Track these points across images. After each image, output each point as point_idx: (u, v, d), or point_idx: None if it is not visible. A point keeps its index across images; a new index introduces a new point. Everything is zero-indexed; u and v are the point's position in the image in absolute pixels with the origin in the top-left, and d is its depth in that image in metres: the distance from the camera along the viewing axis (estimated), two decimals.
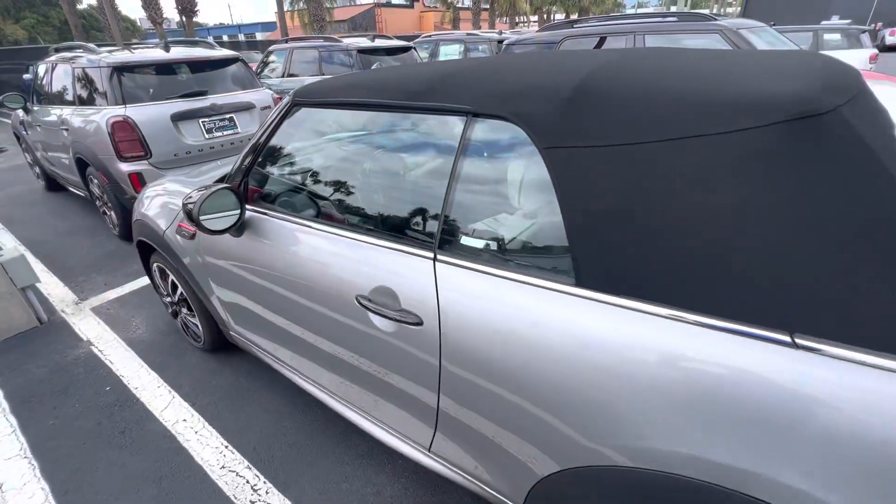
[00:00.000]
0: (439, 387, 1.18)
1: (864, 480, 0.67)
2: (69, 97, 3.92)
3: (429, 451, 1.36)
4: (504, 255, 1.06)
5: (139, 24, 39.87)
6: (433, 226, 1.16)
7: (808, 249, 0.72)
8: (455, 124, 1.14)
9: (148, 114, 3.48)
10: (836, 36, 8.07)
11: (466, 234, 1.11)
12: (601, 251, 0.89)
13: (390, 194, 1.37)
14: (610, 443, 0.89)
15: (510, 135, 1.04)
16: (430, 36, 9.30)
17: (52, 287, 3.19)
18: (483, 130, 1.09)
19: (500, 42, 7.96)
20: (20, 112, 4.87)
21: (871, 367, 0.68)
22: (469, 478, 1.28)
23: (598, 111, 0.91)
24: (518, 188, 1.11)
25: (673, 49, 1.23)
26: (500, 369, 1.01)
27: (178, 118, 3.58)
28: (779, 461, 0.73)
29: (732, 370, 0.76)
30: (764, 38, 3.41)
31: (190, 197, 1.49)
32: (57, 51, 4.46)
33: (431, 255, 1.14)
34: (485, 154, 1.10)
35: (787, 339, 0.74)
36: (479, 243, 1.09)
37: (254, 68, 6.97)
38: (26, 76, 14.42)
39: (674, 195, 0.82)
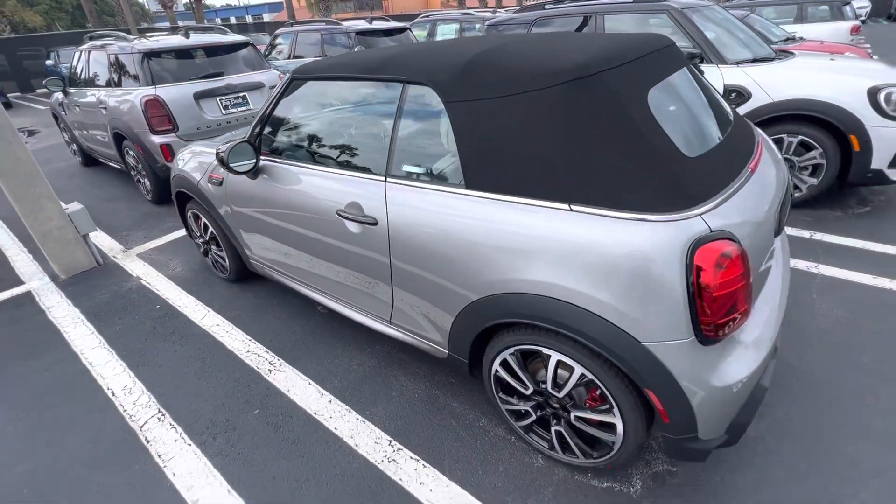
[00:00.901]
0: (391, 269, 1.77)
1: (615, 282, 1.24)
2: (105, 80, 4.52)
3: (390, 322, 1.97)
4: (426, 174, 1.63)
5: (147, 7, 40.30)
6: (384, 158, 1.73)
7: (579, 157, 1.28)
8: (396, 89, 1.70)
9: (174, 93, 4.06)
10: (825, 7, 8.29)
11: (404, 163, 1.69)
12: (477, 165, 1.46)
13: (357, 140, 1.94)
14: (488, 279, 1.47)
15: (428, 96, 1.60)
16: (428, 16, 9.66)
17: (102, 240, 3.85)
18: (413, 93, 1.65)
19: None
20: (59, 94, 5.49)
21: (607, 218, 1.24)
22: (415, 336, 1.89)
23: (476, 78, 1.47)
24: (435, 130, 1.67)
25: (538, 34, 1.77)
26: (425, 245, 1.60)
27: (199, 97, 4.17)
28: (567, 276, 1.30)
29: (545, 229, 1.33)
30: (708, 15, 3.85)
31: (220, 149, 2.08)
32: (91, 39, 5.04)
33: (383, 178, 1.72)
34: (414, 109, 1.66)
35: (567, 207, 1.31)
36: (411, 168, 1.67)
37: (262, 50, 7.49)
38: (48, 62, 15.06)
39: (512, 128, 1.38)
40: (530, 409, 1.66)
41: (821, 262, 2.81)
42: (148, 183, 4.42)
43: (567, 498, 1.58)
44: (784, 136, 3.33)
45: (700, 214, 1.21)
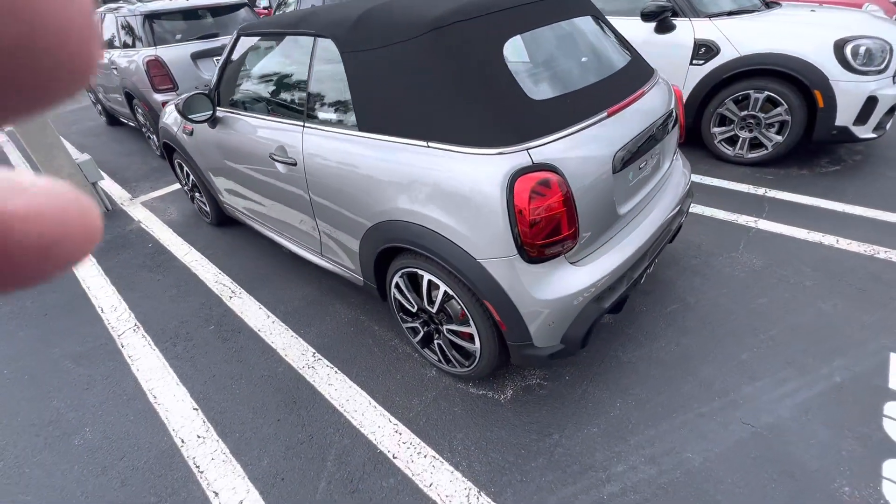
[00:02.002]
0: (311, 204, 2.03)
1: (457, 209, 1.46)
2: (117, 42, 4.88)
3: (321, 254, 2.25)
4: (333, 120, 1.86)
5: None
6: (303, 106, 1.96)
7: (434, 100, 1.47)
8: (309, 42, 1.90)
9: (174, 53, 4.37)
10: None
11: (317, 110, 1.91)
12: (365, 110, 1.67)
13: (285, 90, 2.16)
14: (376, 209, 1.71)
15: (331, 48, 1.80)
16: None
17: (114, 189, 4.31)
18: (321, 45, 1.85)
19: None
20: None
21: (453, 152, 1.44)
22: (339, 266, 2.16)
23: (364, 31, 1.66)
24: (339, 80, 1.87)
25: None
26: (332, 181, 1.84)
27: (196, 56, 4.46)
28: (425, 204, 1.53)
29: (410, 164, 1.55)
30: None
31: (177, 102, 2.36)
32: (105, 2, 5.39)
33: (301, 124, 1.95)
34: (323, 60, 1.87)
35: (425, 144, 1.51)
36: (322, 114, 1.89)
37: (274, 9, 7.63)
38: None
39: (388, 76, 1.57)
40: (419, 326, 1.92)
41: (763, 217, 2.87)
42: (155, 138, 4.82)
43: (446, 400, 1.86)
44: (751, 92, 3.30)
45: (528, 149, 1.39)
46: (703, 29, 3.40)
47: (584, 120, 1.53)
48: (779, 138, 3.34)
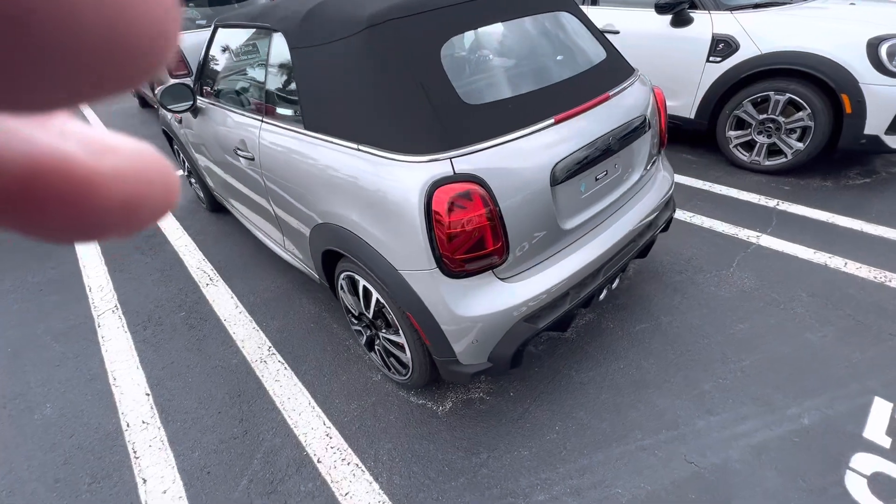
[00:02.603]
0: (268, 198, 2.02)
1: (380, 217, 1.41)
2: None
3: (284, 248, 2.25)
4: (284, 116, 1.83)
5: None
6: (261, 102, 1.95)
7: (365, 101, 1.41)
8: (267, 36, 1.87)
9: (191, 39, 4.48)
10: None
11: (274, 105, 1.89)
12: (309, 108, 1.63)
13: (249, 84, 2.15)
14: (318, 209, 1.68)
15: (283, 43, 1.76)
16: None
17: None
18: (275, 40, 1.82)
19: None
20: None
21: (379, 157, 1.38)
22: (298, 261, 2.16)
23: (309, 26, 1.61)
24: (291, 75, 1.84)
25: None
26: (285, 177, 1.82)
27: None
28: (353, 210, 1.48)
29: (343, 166, 1.50)
30: None
31: (157, 91, 2.41)
32: None
33: (260, 120, 1.94)
34: (278, 55, 1.84)
35: (356, 147, 1.46)
36: (278, 110, 1.87)
37: None
38: None
39: (327, 75, 1.52)
40: (362, 330, 1.89)
41: (768, 232, 2.64)
42: None
43: (383, 407, 1.82)
44: (771, 93, 3.02)
45: (452, 158, 1.31)
46: (723, 23, 3.13)
47: (524, 127, 1.43)
48: (800, 145, 3.05)
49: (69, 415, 1.91)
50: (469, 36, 1.73)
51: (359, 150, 1.45)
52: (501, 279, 1.45)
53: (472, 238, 1.32)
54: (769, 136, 3.16)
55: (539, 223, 1.45)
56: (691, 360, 1.89)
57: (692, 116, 3.45)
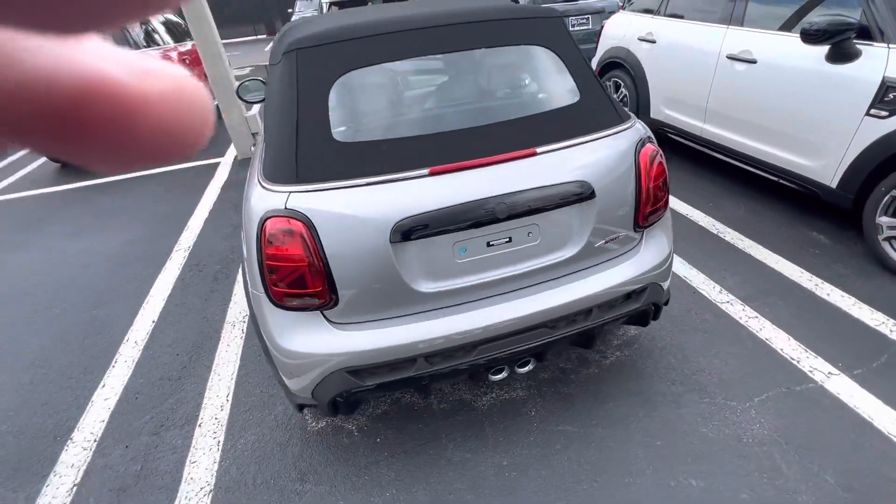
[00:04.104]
0: None
1: (245, 238, 1.52)
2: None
3: None
4: None
5: None
6: None
7: (267, 126, 1.51)
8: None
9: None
10: None
11: None
12: (265, 125, 1.80)
13: None
14: None
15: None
16: None
17: None
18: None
19: None
20: None
21: (255, 182, 1.47)
22: None
23: (275, 48, 1.75)
24: None
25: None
26: None
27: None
28: (244, 221, 1.61)
29: (248, 178, 1.64)
30: None
31: (236, 84, 2.89)
32: None
33: None
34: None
35: (258, 164, 1.57)
36: None
37: None
38: (290, 10, 15.08)
39: (268, 95, 1.66)
40: None
41: (852, 372, 1.82)
42: None
43: (280, 402, 1.94)
44: None
45: (290, 192, 1.31)
46: None
47: (386, 173, 1.32)
48: None
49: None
50: (404, 67, 1.64)
51: (254, 166, 1.55)
52: (333, 322, 1.40)
53: (291, 275, 1.31)
54: None
55: (377, 278, 1.34)
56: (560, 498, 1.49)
57: (833, 186, 2.52)
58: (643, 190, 1.52)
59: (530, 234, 1.44)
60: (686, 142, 3.59)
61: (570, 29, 5.75)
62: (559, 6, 5.70)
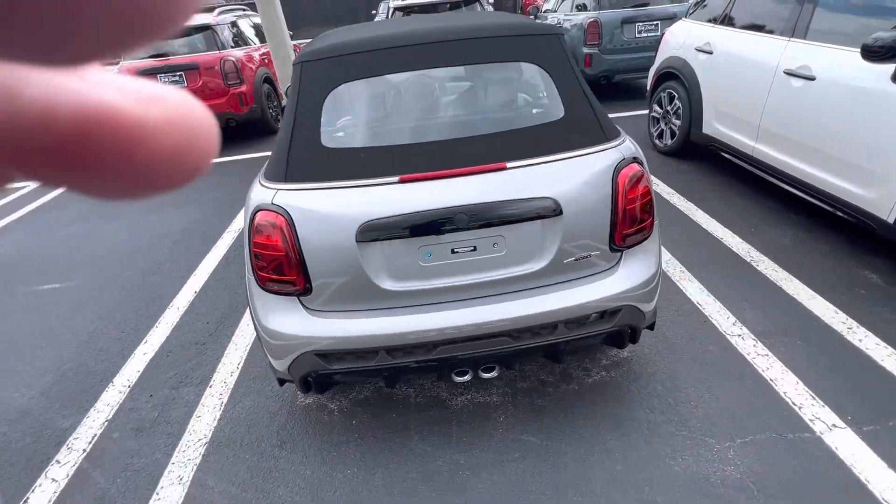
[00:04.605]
0: None
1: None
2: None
3: None
4: None
5: None
6: None
7: (280, 130, 1.70)
8: None
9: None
10: None
11: None
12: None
13: None
14: None
15: None
16: None
17: None
18: None
19: None
20: None
21: (257, 180, 1.67)
22: None
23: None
24: None
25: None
26: None
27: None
28: None
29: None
30: None
31: None
32: None
33: None
34: None
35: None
36: None
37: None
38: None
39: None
40: None
41: (863, 426, 1.65)
42: None
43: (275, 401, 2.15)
44: None
45: (278, 189, 1.49)
46: None
47: (363, 178, 1.45)
48: None
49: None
50: (396, 80, 1.74)
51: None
52: (308, 308, 1.56)
53: (272, 262, 1.48)
54: None
55: (345, 273, 1.47)
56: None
57: (891, 221, 2.25)
58: (620, 211, 1.50)
59: (496, 245, 1.49)
60: (736, 160, 3.35)
61: (637, 36, 5.52)
62: (628, 12, 5.51)
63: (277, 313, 1.57)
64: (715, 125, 3.49)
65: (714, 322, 2.20)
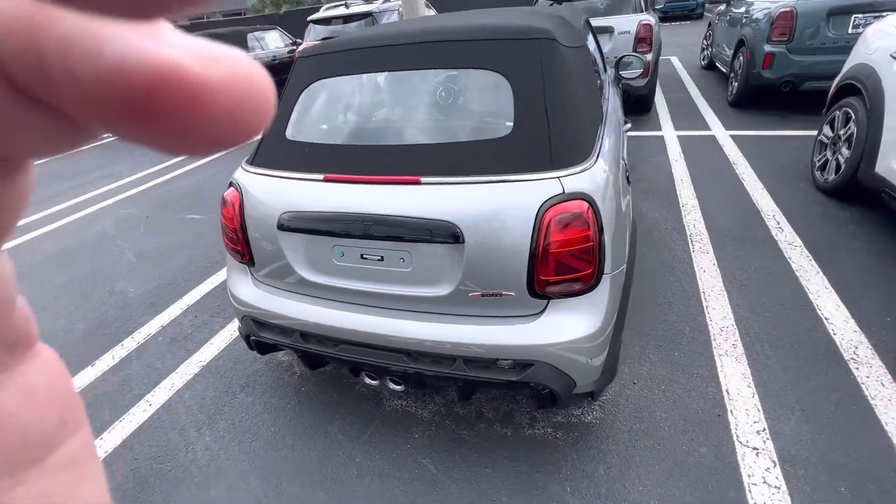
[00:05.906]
0: None
1: None
2: None
3: None
4: None
5: None
6: None
7: None
8: None
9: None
10: None
11: None
12: None
13: None
14: None
15: None
16: None
17: None
18: None
19: None
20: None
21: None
22: None
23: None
24: None
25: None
26: None
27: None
28: None
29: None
30: None
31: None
32: None
33: None
34: None
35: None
36: None
37: None
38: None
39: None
40: None
41: None
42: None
43: None
44: None
45: (245, 171, 1.70)
46: None
47: (297, 171, 1.55)
48: None
49: None
50: (366, 81, 1.72)
51: None
52: (254, 278, 1.75)
53: (228, 232, 1.71)
54: None
55: (271, 255, 1.61)
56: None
57: None
58: (539, 255, 1.28)
59: (402, 261, 1.44)
60: None
61: (849, 33, 4.15)
62: (843, 0, 4.16)
63: (236, 278, 1.82)
64: (893, 165, 2.50)
65: (731, 421, 1.69)
